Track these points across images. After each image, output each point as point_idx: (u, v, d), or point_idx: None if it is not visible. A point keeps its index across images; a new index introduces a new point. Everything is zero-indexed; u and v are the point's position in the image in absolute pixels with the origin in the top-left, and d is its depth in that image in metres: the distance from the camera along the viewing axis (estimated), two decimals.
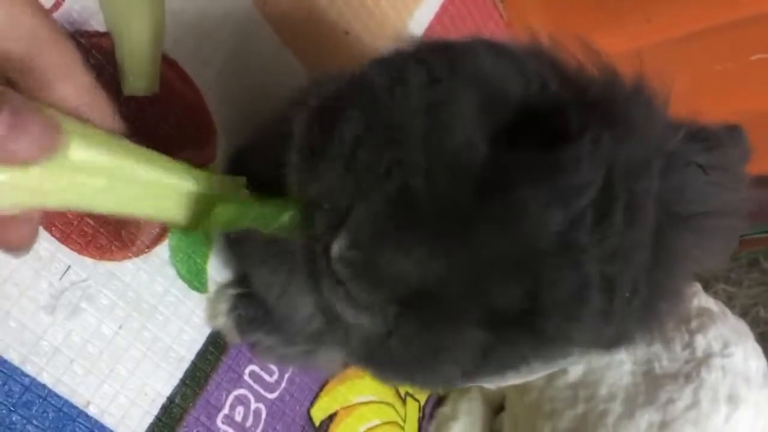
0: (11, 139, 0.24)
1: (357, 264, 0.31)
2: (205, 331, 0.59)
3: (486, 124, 0.32)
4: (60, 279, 0.49)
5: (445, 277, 0.30)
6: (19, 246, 0.31)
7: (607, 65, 0.36)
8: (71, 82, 0.29)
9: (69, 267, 0.49)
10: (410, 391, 0.82)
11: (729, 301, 0.99)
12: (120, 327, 0.53)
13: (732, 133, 0.37)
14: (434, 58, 0.35)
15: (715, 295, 0.99)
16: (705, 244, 0.35)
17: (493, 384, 0.57)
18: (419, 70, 0.34)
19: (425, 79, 0.33)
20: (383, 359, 0.35)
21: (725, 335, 0.67)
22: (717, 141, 0.36)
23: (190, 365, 0.58)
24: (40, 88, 0.29)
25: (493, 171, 0.31)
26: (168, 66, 0.54)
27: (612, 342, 0.35)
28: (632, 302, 0.32)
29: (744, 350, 0.67)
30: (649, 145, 0.32)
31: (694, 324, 0.68)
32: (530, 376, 0.54)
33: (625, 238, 0.31)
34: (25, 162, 0.26)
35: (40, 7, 0.28)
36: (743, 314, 0.96)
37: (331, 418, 0.71)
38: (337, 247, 0.31)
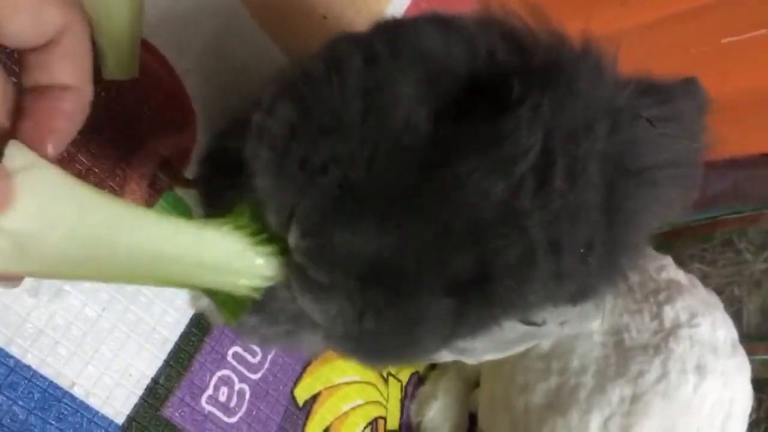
0: None
1: (311, 250, 0.32)
2: (189, 313, 0.60)
3: (430, 100, 0.33)
4: None
5: (399, 252, 0.31)
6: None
7: (555, 30, 0.36)
8: (73, 67, 0.31)
9: None
10: (392, 371, 0.83)
11: (704, 280, 1.00)
12: (103, 309, 0.53)
13: (686, 85, 0.38)
14: (375, 40, 0.35)
15: (691, 274, 1.00)
16: (660, 196, 0.36)
17: (473, 359, 0.58)
18: (355, 55, 0.34)
19: (361, 64, 0.34)
20: (365, 343, 0.36)
21: (693, 306, 0.68)
22: (668, 94, 0.37)
23: (174, 346, 0.58)
24: (42, 64, 0.30)
25: (436, 147, 0.32)
26: (146, 50, 0.54)
27: (576, 297, 0.36)
28: (588, 260, 0.33)
29: (712, 320, 0.68)
30: (594, 106, 0.33)
31: (662, 296, 0.69)
32: (508, 351, 0.55)
33: (568, 201, 0.31)
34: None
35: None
36: (718, 293, 0.97)
37: (314, 398, 0.72)
38: (292, 239, 0.32)
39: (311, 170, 0.32)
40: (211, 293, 0.35)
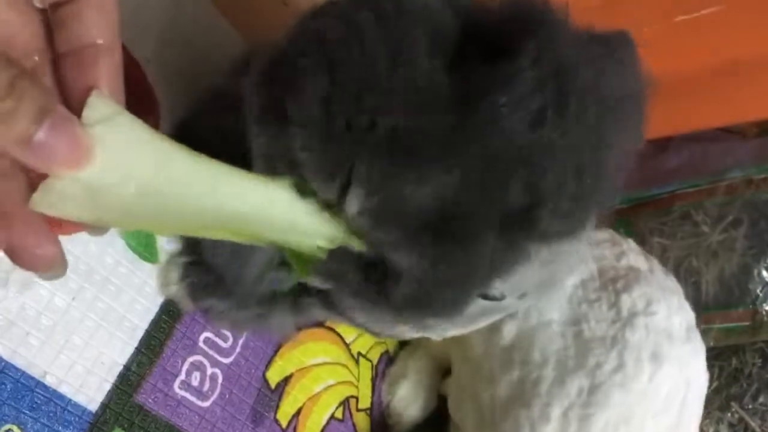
0: (49, 147, 0.26)
1: (380, 209, 0.33)
2: (158, 300, 0.60)
3: (437, 54, 0.35)
4: None
5: (460, 190, 0.33)
6: (47, 266, 0.31)
7: None
8: (103, 19, 0.31)
9: None
10: (362, 351, 0.84)
11: (664, 253, 1.03)
12: (73, 299, 0.54)
13: (621, 36, 0.41)
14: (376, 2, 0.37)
15: (651, 248, 1.02)
16: (624, 127, 0.39)
17: (436, 335, 0.60)
18: (366, 12, 0.35)
19: (374, 22, 0.35)
20: (431, 295, 0.36)
21: (649, 293, 0.69)
22: (612, 43, 0.40)
23: (145, 334, 0.59)
24: (74, 15, 0.30)
25: (461, 91, 0.34)
26: None
27: (576, 228, 0.39)
28: (587, 186, 0.36)
29: (668, 307, 0.69)
30: (574, 48, 0.36)
31: (620, 284, 0.70)
32: (470, 326, 0.56)
33: (580, 130, 0.35)
34: (64, 168, 0.27)
35: None
36: (677, 265, 0.99)
37: (286, 380, 0.73)
38: (353, 204, 0.33)
39: (358, 129, 0.32)
40: (281, 248, 0.35)
